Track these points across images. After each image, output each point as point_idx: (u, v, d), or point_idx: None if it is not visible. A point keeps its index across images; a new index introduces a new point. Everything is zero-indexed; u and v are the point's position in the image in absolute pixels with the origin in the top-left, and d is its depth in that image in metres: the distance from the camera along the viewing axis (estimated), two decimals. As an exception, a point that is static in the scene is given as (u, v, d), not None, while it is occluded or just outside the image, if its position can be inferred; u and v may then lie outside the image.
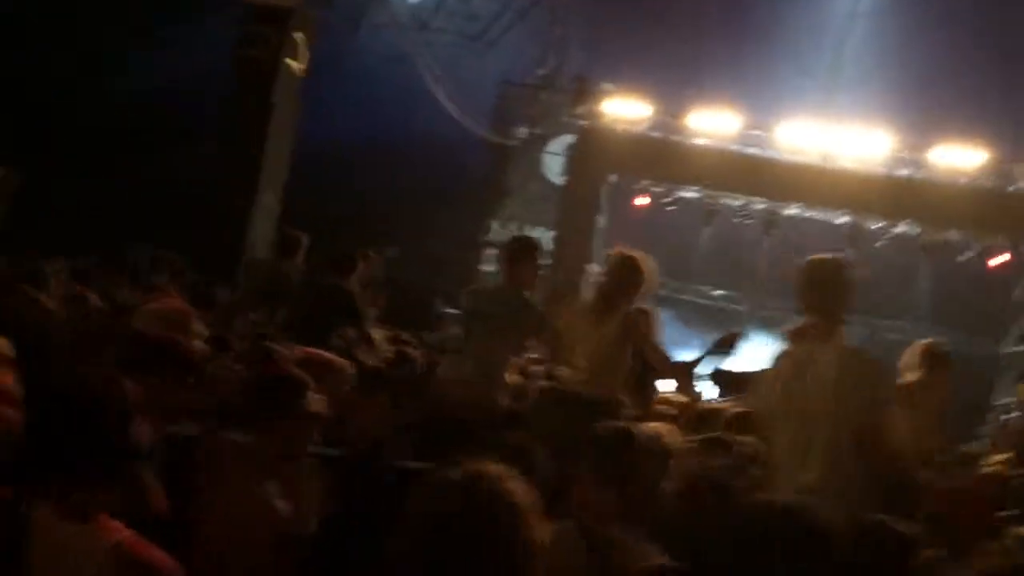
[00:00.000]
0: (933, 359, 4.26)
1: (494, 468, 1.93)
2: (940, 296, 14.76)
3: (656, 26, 14.78)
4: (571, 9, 14.87)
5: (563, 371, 4.29)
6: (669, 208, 14.50)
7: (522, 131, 14.70)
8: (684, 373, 4.47)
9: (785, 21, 15.02)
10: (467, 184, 15.33)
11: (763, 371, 3.24)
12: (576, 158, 14.19)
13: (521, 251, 4.45)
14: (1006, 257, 14.36)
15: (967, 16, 14.34)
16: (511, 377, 4.51)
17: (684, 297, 15.79)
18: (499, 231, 15.10)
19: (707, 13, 15.01)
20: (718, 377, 4.67)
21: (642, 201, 14.62)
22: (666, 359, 4.53)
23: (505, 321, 4.17)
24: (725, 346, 4.59)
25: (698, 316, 15.35)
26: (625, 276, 4.25)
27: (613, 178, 14.42)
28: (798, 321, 3.32)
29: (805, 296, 3.35)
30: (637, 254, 4.28)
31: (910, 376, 4.21)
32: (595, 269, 14.84)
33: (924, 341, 4.46)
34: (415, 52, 14.74)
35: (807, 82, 14.26)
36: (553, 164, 14.82)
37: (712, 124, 13.80)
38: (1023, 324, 14.82)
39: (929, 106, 13.92)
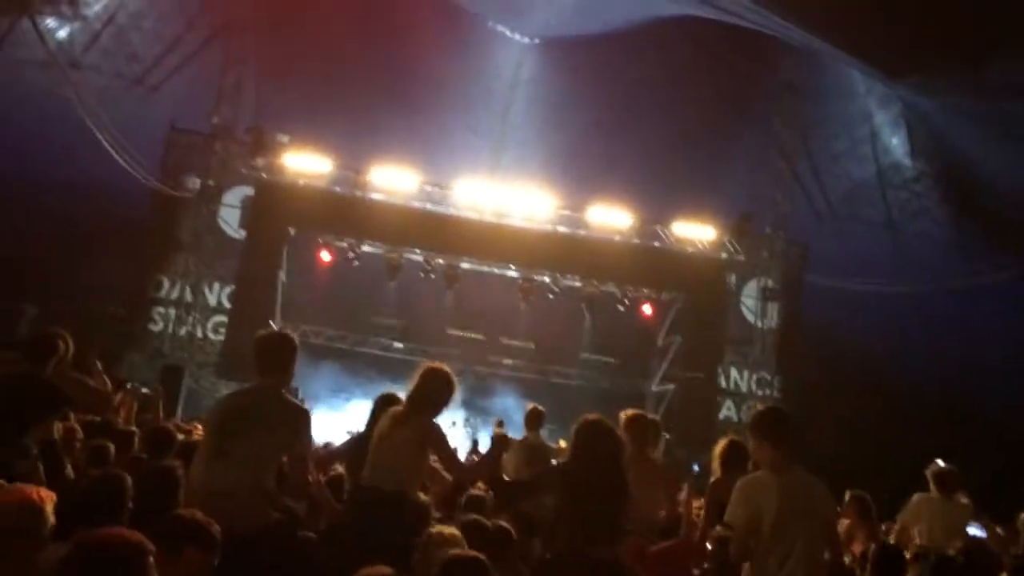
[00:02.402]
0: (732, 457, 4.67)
1: None
2: (600, 342, 16.13)
3: (333, 83, 14.73)
4: (245, 58, 14.35)
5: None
6: (354, 263, 14.37)
7: (194, 181, 13.84)
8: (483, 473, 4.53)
9: (456, 84, 15.66)
10: (130, 236, 14.09)
11: (739, 495, 3.78)
12: (256, 211, 13.63)
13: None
14: (649, 308, 15.99)
15: (612, 95, 15.91)
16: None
17: (363, 350, 15.76)
18: (172, 287, 14.07)
19: (381, 70, 15.25)
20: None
21: (327, 256, 14.38)
22: (466, 467, 4.60)
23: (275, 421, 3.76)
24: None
25: (377, 368, 15.42)
26: (435, 388, 4.16)
27: (294, 232, 14.03)
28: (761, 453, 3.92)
29: (771, 441, 3.92)
30: (446, 368, 4.22)
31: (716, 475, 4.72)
32: (278, 325, 14.34)
33: (723, 441, 4.83)
34: (66, 90, 13.36)
35: (479, 143, 14.95)
36: (230, 217, 14.11)
37: (392, 181, 13.96)
38: (664, 367, 16.54)
39: (584, 170, 15.19)
